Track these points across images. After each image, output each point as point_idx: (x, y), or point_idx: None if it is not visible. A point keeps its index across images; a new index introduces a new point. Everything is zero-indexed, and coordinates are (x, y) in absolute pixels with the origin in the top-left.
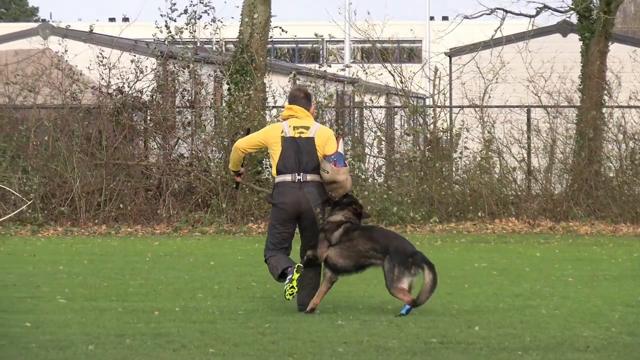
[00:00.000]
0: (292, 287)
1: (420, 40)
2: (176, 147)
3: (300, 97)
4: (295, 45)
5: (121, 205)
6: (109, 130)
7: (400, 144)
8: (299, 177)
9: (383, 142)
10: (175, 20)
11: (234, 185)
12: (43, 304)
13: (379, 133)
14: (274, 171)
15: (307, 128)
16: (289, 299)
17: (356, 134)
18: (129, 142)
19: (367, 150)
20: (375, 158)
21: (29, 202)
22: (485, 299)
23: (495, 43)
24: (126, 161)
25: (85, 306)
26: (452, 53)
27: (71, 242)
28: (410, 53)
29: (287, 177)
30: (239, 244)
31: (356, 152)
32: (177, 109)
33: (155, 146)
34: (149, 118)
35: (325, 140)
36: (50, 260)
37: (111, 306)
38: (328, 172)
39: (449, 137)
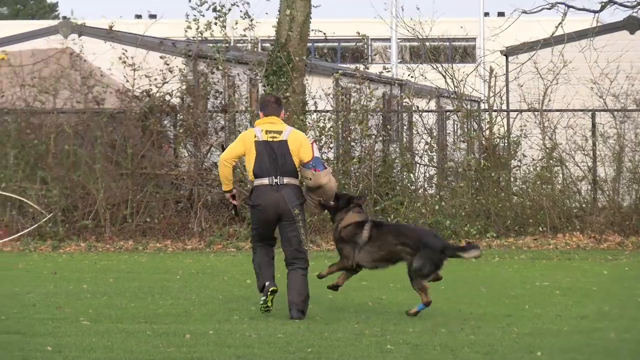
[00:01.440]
0: (267, 307)
1: (474, 38)
2: (209, 154)
3: (270, 103)
4: (337, 44)
5: (149, 219)
6: (135, 136)
7: (453, 151)
8: (276, 180)
9: (434, 150)
10: (203, 15)
11: (233, 212)
12: (65, 326)
13: (429, 139)
14: (250, 175)
15: (280, 132)
16: (263, 312)
17: (404, 141)
18: (157, 150)
19: (416, 158)
20: (425, 167)
21: (49, 216)
22: (547, 321)
23: (556, 41)
24: (154, 170)
25: (111, 328)
26: (509, 52)
27: (95, 258)
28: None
29: (265, 180)
30: (277, 260)
31: (405, 161)
32: (209, 113)
33: (186, 154)
34: (178, 123)
35: (299, 145)
36: (73, 279)
37: (139, 329)
38: (311, 179)
39: (506, 144)
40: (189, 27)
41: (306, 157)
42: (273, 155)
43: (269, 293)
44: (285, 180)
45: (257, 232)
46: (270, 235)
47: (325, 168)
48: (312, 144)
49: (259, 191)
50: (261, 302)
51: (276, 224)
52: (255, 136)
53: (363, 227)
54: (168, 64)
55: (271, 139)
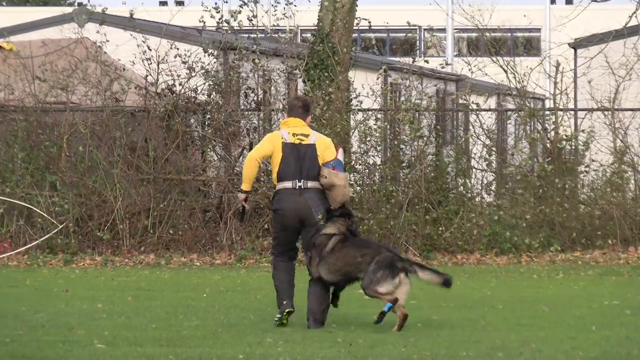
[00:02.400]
0: (282, 323)
1: (539, 29)
2: (240, 158)
3: (297, 107)
4: (386, 35)
5: (173, 230)
6: (158, 138)
7: (513, 154)
8: (299, 184)
9: (493, 153)
10: (226, 1)
11: (240, 216)
12: (78, 349)
13: (487, 142)
14: (274, 178)
15: (307, 136)
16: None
17: (460, 143)
18: (182, 153)
19: (473, 162)
20: (483, 172)
21: (61, 226)
22: (616, 343)
23: (630, 32)
24: (179, 176)
25: (130, 352)
26: (578, 44)
27: (112, 274)
28: (526, 44)
29: (288, 184)
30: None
31: (460, 166)
32: (241, 112)
33: (215, 157)
34: (206, 123)
35: (325, 149)
36: (87, 297)
37: (161, 353)
38: (326, 177)
39: (573, 147)
40: (210, 15)
41: (329, 157)
42: (300, 159)
43: (284, 313)
44: (310, 184)
45: (278, 240)
46: (291, 245)
47: (345, 172)
48: (338, 148)
49: (282, 195)
50: (276, 318)
51: (298, 232)
52: (282, 138)
53: (330, 240)
54: (197, 57)
55: (298, 142)
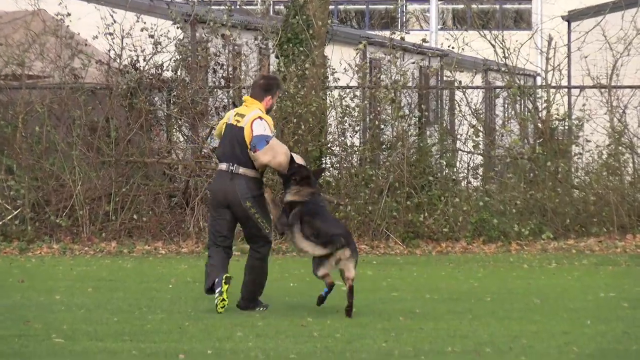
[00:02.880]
0: (223, 299)
1: (530, 0)
2: (209, 139)
3: (256, 85)
4: (365, 7)
5: (136, 216)
6: (120, 117)
7: (502, 135)
8: (232, 168)
9: (480, 134)
10: None
11: None
12: (34, 344)
13: (474, 122)
14: None
15: (243, 117)
16: (220, 312)
17: (444, 123)
18: (146, 133)
19: (458, 144)
20: (469, 154)
21: (16, 212)
22: (613, 339)
23: (628, 4)
24: (143, 158)
25: (90, 348)
26: (572, 17)
27: (71, 263)
28: (516, 17)
29: (223, 166)
30: (290, 266)
31: (444, 147)
32: (210, 89)
33: (181, 138)
34: (172, 101)
35: (249, 130)
36: (44, 288)
37: (123, 348)
38: (255, 162)
39: (566, 127)
40: None
41: (249, 139)
42: (232, 141)
43: (223, 281)
44: (241, 170)
45: (210, 224)
46: (223, 232)
47: (267, 143)
48: (254, 120)
49: (216, 176)
50: (217, 297)
51: (230, 219)
52: (229, 117)
53: (292, 210)
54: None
55: (235, 123)
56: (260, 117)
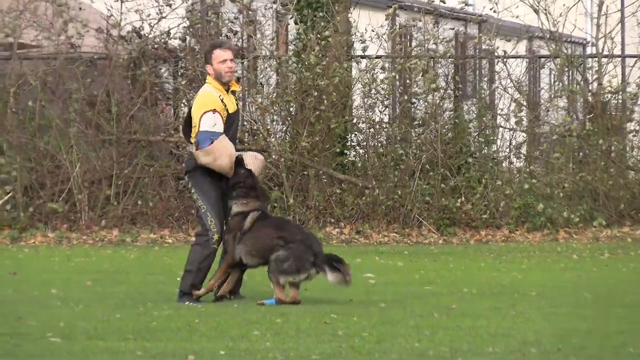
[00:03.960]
0: None
1: None
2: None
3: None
4: None
5: (140, 201)
6: (121, 90)
7: (548, 110)
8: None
9: (523, 109)
10: None
11: None
12: (28, 344)
13: (517, 95)
14: None
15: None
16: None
17: (483, 97)
18: (150, 109)
19: (499, 120)
20: (511, 132)
21: (7, 197)
22: None
23: None
24: (147, 136)
25: (89, 347)
26: None
27: (68, 253)
28: None
29: None
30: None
31: (483, 124)
32: None
33: None
34: (180, 73)
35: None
36: (38, 281)
37: (127, 347)
38: (197, 159)
39: (619, 101)
40: None
41: (195, 132)
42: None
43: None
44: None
45: None
46: None
47: (212, 142)
48: (204, 114)
49: None
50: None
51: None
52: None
53: (243, 221)
54: None
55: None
56: (214, 110)
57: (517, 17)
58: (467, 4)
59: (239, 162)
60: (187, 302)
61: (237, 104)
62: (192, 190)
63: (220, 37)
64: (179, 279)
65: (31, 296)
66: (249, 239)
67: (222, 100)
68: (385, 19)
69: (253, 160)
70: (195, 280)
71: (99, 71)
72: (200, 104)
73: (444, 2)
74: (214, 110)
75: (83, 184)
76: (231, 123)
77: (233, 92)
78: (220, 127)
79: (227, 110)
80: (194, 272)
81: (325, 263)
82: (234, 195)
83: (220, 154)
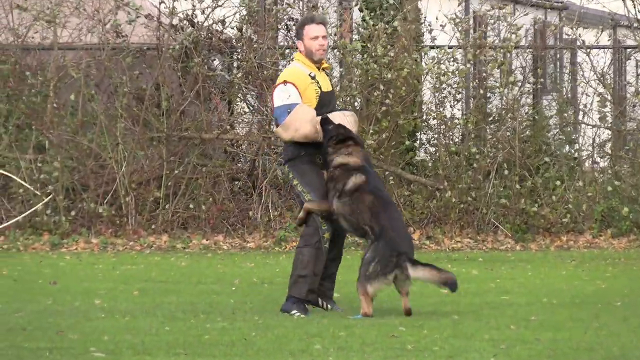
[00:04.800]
0: None
1: None
2: None
3: None
4: None
5: (192, 204)
6: (172, 84)
7: (635, 106)
8: None
9: (608, 104)
10: None
11: None
12: (69, 359)
13: (601, 89)
14: None
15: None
16: None
17: (564, 91)
18: (203, 103)
19: (581, 116)
20: (595, 128)
21: (47, 199)
22: None
23: None
24: (200, 133)
25: None
26: None
27: (113, 261)
28: None
29: None
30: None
31: (564, 120)
32: (280, 50)
33: (246, 109)
34: (235, 65)
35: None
36: (81, 291)
37: None
38: (280, 137)
39: None
40: None
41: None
42: None
43: None
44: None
45: None
46: None
47: (288, 115)
48: (275, 87)
49: None
50: None
51: None
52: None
53: (348, 177)
54: None
55: None
56: (284, 82)
57: (602, 4)
58: None
59: (324, 121)
60: (293, 312)
61: (331, 83)
62: (295, 182)
63: (280, 26)
64: (233, 288)
65: (73, 307)
66: (348, 204)
67: (313, 78)
68: (458, 6)
69: (342, 118)
70: (312, 285)
71: (147, 63)
72: (278, 79)
73: None
74: (285, 82)
75: (130, 186)
76: (325, 103)
77: (325, 71)
78: (295, 98)
79: (320, 88)
80: (310, 277)
81: (407, 261)
82: (331, 151)
83: (300, 123)
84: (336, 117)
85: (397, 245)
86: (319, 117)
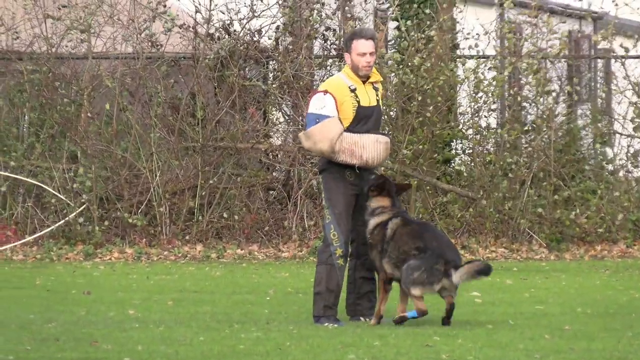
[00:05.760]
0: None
1: None
2: None
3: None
4: None
5: (227, 214)
6: (208, 94)
7: None
8: None
9: None
10: None
11: None
12: None
13: (636, 98)
14: None
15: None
16: None
17: (600, 99)
18: (239, 113)
19: (616, 126)
20: (630, 138)
21: (80, 209)
22: None
23: None
24: (235, 143)
25: None
26: None
27: (147, 271)
28: None
29: None
30: None
31: (599, 130)
32: (317, 60)
33: (282, 119)
34: (271, 75)
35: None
36: (114, 301)
37: None
38: (301, 142)
39: None
40: None
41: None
42: None
43: None
44: None
45: None
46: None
47: (317, 122)
48: (313, 95)
49: None
50: None
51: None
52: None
53: (382, 231)
54: None
55: None
56: (325, 92)
57: (637, 12)
58: None
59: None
60: (325, 324)
61: (377, 99)
62: (323, 195)
63: (317, 35)
64: (268, 298)
65: (107, 317)
66: (392, 250)
67: (353, 91)
68: (497, 13)
69: (374, 145)
70: (328, 301)
71: (183, 72)
72: (320, 86)
73: None
74: (325, 92)
75: (164, 195)
76: (365, 118)
77: (374, 86)
78: (329, 111)
79: (358, 102)
80: (324, 293)
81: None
82: (369, 210)
83: (321, 138)
84: (369, 142)
85: (444, 254)
86: (349, 135)
